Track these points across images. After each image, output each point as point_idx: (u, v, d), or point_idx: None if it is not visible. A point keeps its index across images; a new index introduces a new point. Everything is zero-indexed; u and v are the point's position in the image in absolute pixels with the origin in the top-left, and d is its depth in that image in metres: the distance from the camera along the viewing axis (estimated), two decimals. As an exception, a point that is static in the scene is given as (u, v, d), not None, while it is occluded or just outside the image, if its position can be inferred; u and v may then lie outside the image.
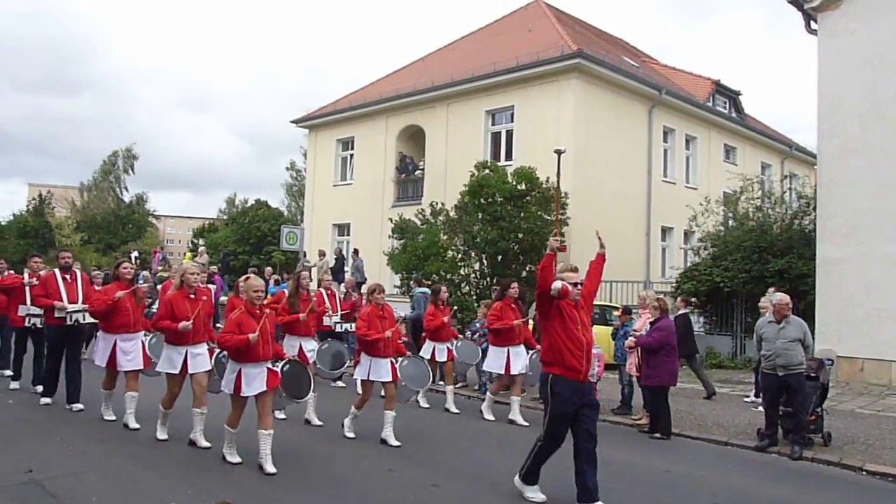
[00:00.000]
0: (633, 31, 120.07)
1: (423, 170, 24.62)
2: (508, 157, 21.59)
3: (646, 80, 22.84)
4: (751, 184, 18.43)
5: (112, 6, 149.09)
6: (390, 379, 8.01)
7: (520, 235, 18.07)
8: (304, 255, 23.94)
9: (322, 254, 23.32)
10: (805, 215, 17.04)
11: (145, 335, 8.48)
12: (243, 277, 6.99)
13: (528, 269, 18.37)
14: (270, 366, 6.70)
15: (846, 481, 7.18)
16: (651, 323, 9.25)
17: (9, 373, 10.91)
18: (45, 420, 8.42)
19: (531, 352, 9.63)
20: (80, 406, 8.82)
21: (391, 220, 20.82)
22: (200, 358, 7.48)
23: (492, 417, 9.62)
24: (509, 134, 22.17)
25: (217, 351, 7.57)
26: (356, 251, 23.07)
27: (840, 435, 8.75)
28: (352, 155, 27.72)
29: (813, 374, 8.50)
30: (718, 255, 16.90)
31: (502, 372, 9.60)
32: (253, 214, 41.36)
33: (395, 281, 20.76)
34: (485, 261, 18.67)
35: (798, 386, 8.26)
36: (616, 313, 13.77)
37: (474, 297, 17.84)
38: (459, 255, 18.75)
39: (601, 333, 12.37)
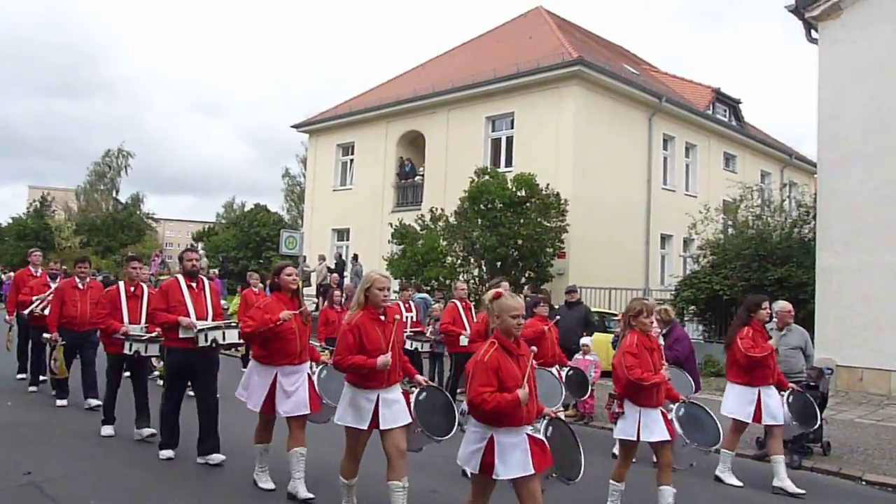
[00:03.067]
0: (637, 41, 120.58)
1: (422, 175, 24.65)
2: (508, 163, 21.61)
3: (646, 88, 22.87)
4: (750, 192, 18.44)
5: (127, 12, 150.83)
6: (668, 437, 5.69)
7: (519, 242, 18.08)
8: (304, 260, 23.92)
9: (322, 258, 23.33)
10: (805, 224, 17.04)
11: (313, 367, 6.26)
12: (492, 294, 4.43)
13: (527, 275, 18.38)
14: (531, 431, 4.37)
15: (845, 491, 7.17)
16: (664, 335, 9.04)
17: (96, 402, 8.88)
18: (44, 422, 8.39)
19: (784, 393, 7.30)
20: (220, 457, 6.80)
21: (391, 225, 20.82)
22: (397, 407, 5.25)
23: (737, 482, 7.16)
24: (509, 140, 22.19)
25: (417, 394, 5.39)
26: (356, 256, 23.08)
27: (839, 444, 8.75)
28: (352, 160, 27.75)
29: (813, 383, 8.49)
30: (718, 263, 16.88)
31: (749, 420, 7.18)
32: (251, 218, 41.35)
33: (395, 286, 20.75)
34: (484, 267, 18.66)
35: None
36: (617, 318, 13.78)
37: (474, 303, 17.82)
38: (459, 261, 18.75)
39: (600, 341, 12.37)
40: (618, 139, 21.42)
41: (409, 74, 28.60)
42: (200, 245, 42.92)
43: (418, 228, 19.73)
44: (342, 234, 27.73)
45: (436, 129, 24.15)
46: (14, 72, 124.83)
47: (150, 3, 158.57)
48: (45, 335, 9.38)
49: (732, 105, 28.20)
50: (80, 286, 9.33)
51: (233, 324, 6.85)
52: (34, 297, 10.28)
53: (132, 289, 8.07)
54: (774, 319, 8.55)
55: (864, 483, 7.41)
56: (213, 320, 6.86)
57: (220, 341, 6.67)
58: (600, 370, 10.74)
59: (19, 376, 11.21)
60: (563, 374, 8.85)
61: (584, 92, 20.68)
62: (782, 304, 8.67)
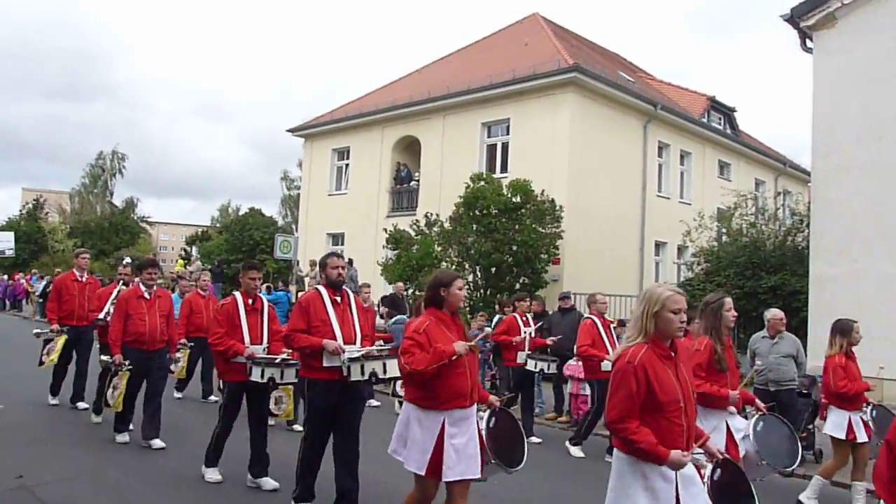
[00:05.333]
0: (633, 49, 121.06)
1: (418, 180, 24.67)
2: (504, 169, 21.64)
3: (641, 96, 22.94)
4: (744, 200, 18.50)
5: (132, 17, 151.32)
6: None
7: (514, 248, 18.09)
8: (297, 264, 23.90)
9: (314, 264, 23.28)
10: (798, 232, 17.12)
11: (481, 410, 4.75)
12: None
13: (521, 281, 18.40)
14: None
15: (837, 499, 7.19)
16: None
17: (160, 444, 7.54)
18: (36, 426, 8.36)
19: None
20: None
21: (385, 230, 20.82)
22: (696, 491, 3.64)
23: None
24: (505, 146, 22.22)
25: (711, 472, 3.84)
26: (350, 261, 23.02)
27: (831, 452, 8.75)
28: (347, 165, 27.76)
29: (805, 391, 8.55)
30: (711, 270, 16.94)
31: None
32: (244, 222, 41.27)
33: (389, 291, 20.75)
34: (478, 273, 18.67)
35: (789, 401, 8.30)
36: (613, 326, 13.79)
37: (467, 309, 17.85)
38: (453, 267, 18.74)
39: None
40: (613, 146, 21.46)
41: (405, 80, 28.64)
42: (194, 249, 42.80)
43: (413, 234, 19.74)
44: (337, 239, 27.70)
45: (431, 134, 24.17)
46: (16, 74, 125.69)
47: (155, 8, 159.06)
48: (104, 357, 7.87)
49: (727, 113, 28.32)
50: (147, 296, 7.76)
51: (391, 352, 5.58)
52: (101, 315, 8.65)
53: (250, 301, 6.65)
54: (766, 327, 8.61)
55: (856, 491, 7.42)
56: (363, 344, 5.63)
57: (381, 375, 5.37)
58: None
59: (52, 401, 9.66)
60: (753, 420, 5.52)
61: (580, 99, 20.73)
62: (774, 312, 8.74)
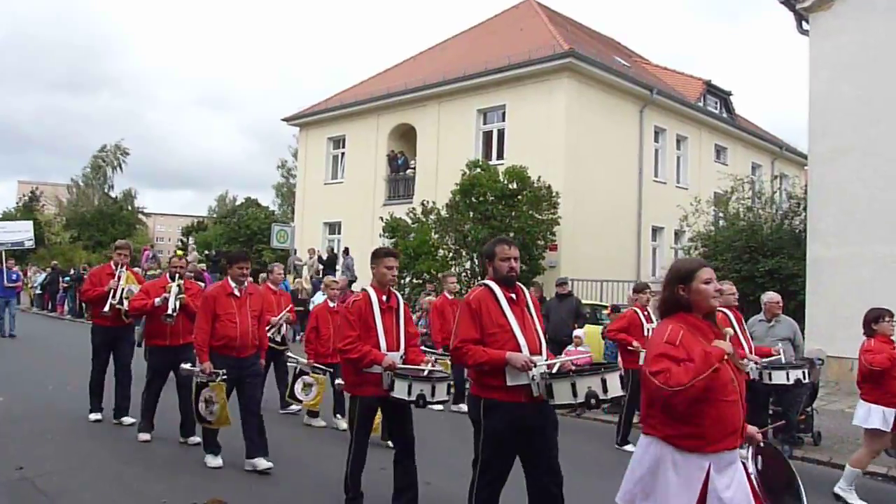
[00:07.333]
0: (628, 32, 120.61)
1: (414, 168, 24.63)
2: (500, 156, 21.62)
3: (637, 80, 22.89)
4: (741, 184, 18.49)
5: (133, 8, 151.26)
6: None
7: (511, 234, 18.07)
8: (295, 253, 23.89)
9: (312, 252, 23.30)
10: (795, 215, 17.13)
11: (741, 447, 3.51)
12: None
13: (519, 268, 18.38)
14: None
15: (835, 481, 7.21)
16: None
17: (266, 464, 6.46)
18: (36, 418, 8.35)
19: None
20: None
21: (382, 218, 20.82)
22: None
23: None
24: (501, 133, 22.19)
25: None
26: (346, 250, 23.05)
27: (830, 434, 8.81)
28: (343, 153, 27.69)
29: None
30: (709, 255, 16.93)
31: None
32: (241, 212, 41.22)
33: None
34: (475, 260, 18.68)
35: (787, 385, 8.30)
36: (605, 312, 13.82)
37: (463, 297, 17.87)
38: (450, 254, 18.75)
39: (591, 333, 12.40)
40: (609, 131, 21.44)
41: (400, 67, 28.53)
42: (190, 239, 42.77)
43: (410, 222, 19.73)
44: (333, 228, 27.68)
45: (427, 121, 24.12)
46: (17, 67, 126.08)
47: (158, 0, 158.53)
48: (186, 366, 6.74)
49: (723, 97, 28.28)
50: (237, 293, 6.60)
51: (611, 363, 4.63)
52: (157, 300, 7.46)
53: (384, 298, 5.45)
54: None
55: (854, 472, 7.46)
56: (545, 354, 4.41)
57: (601, 395, 4.03)
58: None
59: (93, 417, 8.23)
60: None
61: (576, 84, 20.68)
62: (771, 295, 8.76)
